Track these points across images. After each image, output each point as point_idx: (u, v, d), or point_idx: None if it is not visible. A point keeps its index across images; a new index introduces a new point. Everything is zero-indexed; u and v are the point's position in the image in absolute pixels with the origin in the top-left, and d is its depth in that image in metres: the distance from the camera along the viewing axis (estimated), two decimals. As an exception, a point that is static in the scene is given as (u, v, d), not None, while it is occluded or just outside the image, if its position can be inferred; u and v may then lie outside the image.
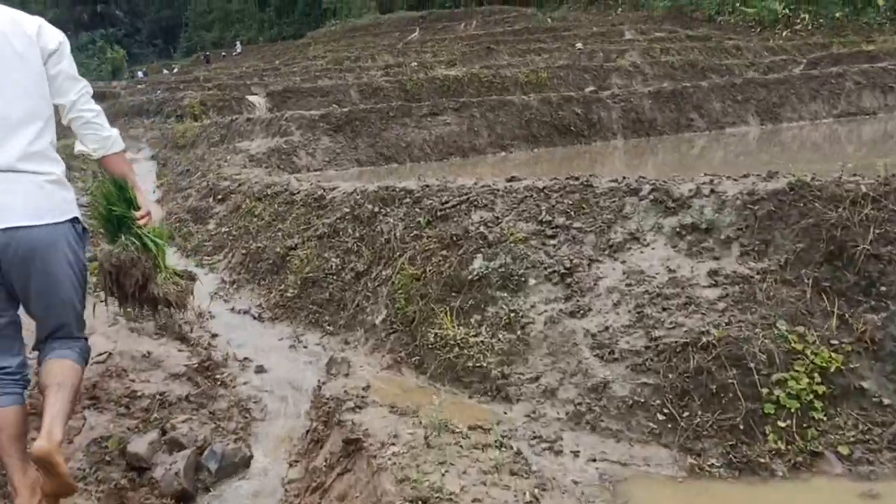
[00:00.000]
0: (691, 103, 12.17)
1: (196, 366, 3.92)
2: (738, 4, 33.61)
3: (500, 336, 3.74)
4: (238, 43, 58.88)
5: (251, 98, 15.66)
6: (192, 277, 3.20)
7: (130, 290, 2.78)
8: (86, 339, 2.78)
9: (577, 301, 3.69)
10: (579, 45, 28.29)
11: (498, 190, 4.65)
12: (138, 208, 2.83)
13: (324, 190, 5.91)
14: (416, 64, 22.57)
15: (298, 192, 6.21)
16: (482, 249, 4.19)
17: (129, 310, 3.09)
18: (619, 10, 41.91)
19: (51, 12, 64.34)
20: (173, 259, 6.53)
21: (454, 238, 4.37)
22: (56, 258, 2.49)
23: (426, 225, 4.66)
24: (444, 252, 4.35)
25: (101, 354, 3.87)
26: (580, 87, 16.33)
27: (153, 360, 3.91)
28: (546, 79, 16.10)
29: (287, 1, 64.92)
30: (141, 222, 2.83)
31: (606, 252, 3.92)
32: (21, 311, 2.64)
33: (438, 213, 4.68)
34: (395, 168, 10.13)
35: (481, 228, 4.34)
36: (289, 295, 4.99)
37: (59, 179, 2.55)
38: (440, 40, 38.92)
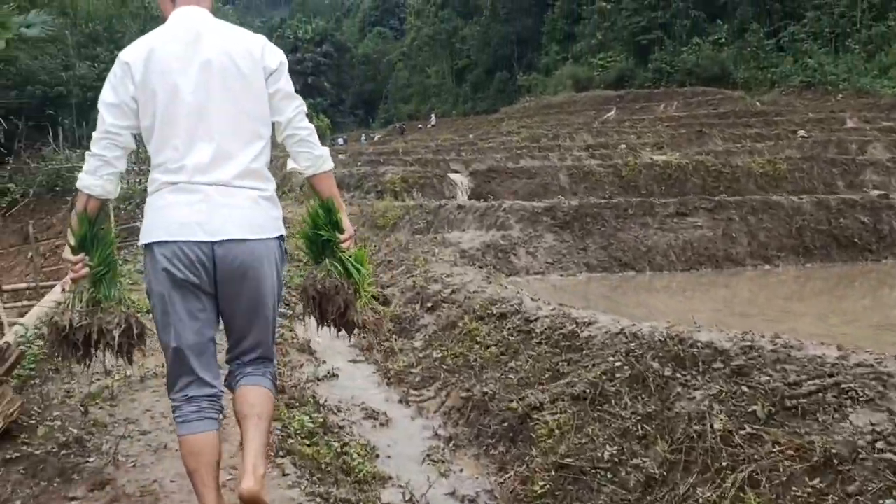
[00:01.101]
0: None
1: None
2: None
3: None
4: (432, 115, 60.58)
5: (453, 176, 14.76)
6: (386, 302, 3.11)
7: (332, 316, 2.70)
8: (274, 363, 2.77)
9: None
10: (802, 132, 25.82)
11: (889, 375, 2.92)
12: (342, 231, 2.72)
13: (576, 323, 4.41)
14: (625, 146, 21.05)
15: (537, 320, 4.76)
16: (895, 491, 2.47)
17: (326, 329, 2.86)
18: (840, 95, 38.50)
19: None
20: (370, 383, 5.30)
21: (830, 456, 2.68)
22: (265, 274, 2.53)
23: (766, 419, 3.01)
24: (815, 481, 2.67)
25: None
26: (826, 183, 14.04)
27: None
28: (786, 171, 13.96)
29: (483, 77, 66.32)
30: (344, 246, 2.73)
31: None
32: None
33: (785, 402, 3.02)
34: (631, 276, 8.53)
35: (881, 448, 2.63)
36: (537, 489, 3.45)
37: (272, 197, 2.61)
38: (638, 120, 37.77)
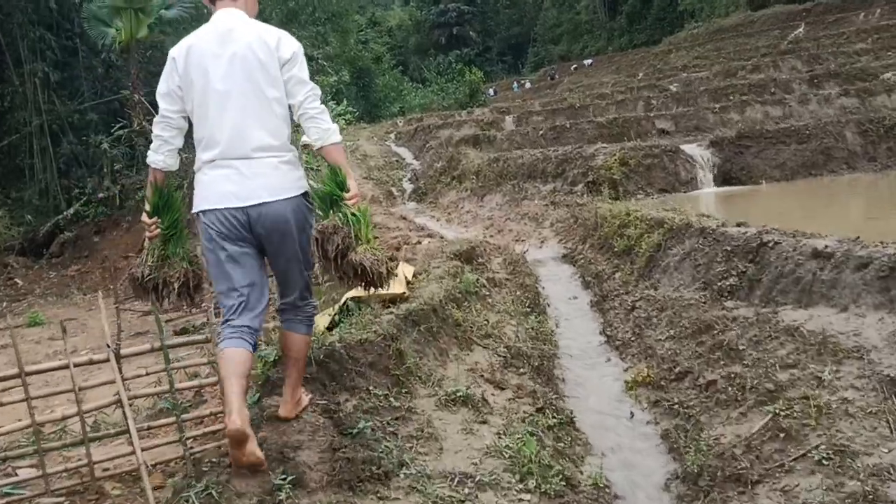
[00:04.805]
0: None
1: None
2: None
3: None
4: (589, 59, 55.28)
5: (688, 150, 10.59)
6: (392, 258, 3.43)
7: (332, 254, 3.06)
8: (314, 303, 3.44)
9: None
10: None
11: None
12: (348, 191, 3.18)
13: None
14: (892, 75, 15.79)
15: None
16: None
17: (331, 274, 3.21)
18: None
19: (414, 38, 66.83)
20: None
21: None
22: (294, 227, 3.14)
23: None
24: None
25: None
26: None
27: None
28: None
29: (640, 6, 59.94)
30: (350, 202, 3.17)
31: None
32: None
33: None
34: None
35: None
36: None
37: (291, 160, 3.21)
38: (836, 36, 31.71)
